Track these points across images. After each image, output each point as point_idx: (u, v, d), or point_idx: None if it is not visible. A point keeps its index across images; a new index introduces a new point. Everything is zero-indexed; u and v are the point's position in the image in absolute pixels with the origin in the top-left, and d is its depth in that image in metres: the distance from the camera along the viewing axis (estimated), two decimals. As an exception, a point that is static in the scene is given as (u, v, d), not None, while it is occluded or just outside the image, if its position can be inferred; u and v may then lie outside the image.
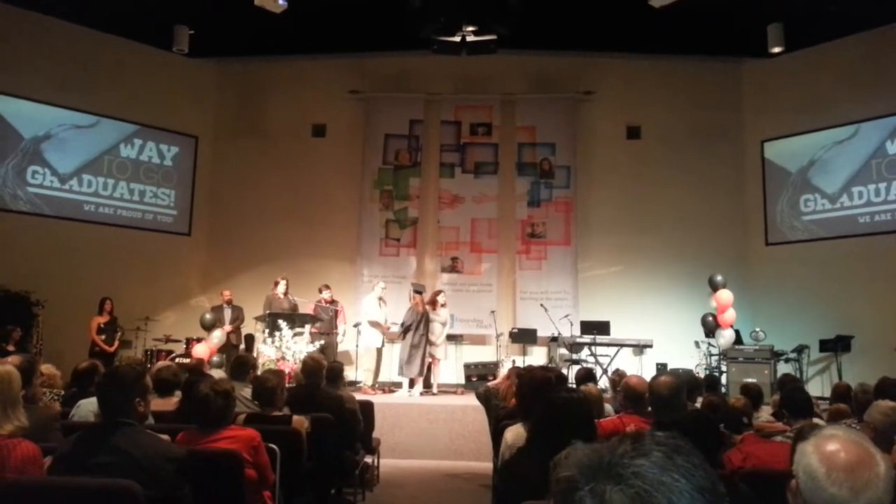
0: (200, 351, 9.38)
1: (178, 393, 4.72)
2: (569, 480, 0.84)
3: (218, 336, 9.79)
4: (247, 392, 4.72)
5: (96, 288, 10.36)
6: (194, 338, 10.31)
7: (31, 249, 10.51)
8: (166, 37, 11.23)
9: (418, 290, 9.88)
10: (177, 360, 9.36)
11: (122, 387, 2.73)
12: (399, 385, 9.88)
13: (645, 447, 0.84)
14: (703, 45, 11.42)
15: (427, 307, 9.81)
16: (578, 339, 10.36)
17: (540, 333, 10.91)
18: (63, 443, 2.83)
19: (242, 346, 10.43)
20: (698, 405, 4.55)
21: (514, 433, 3.43)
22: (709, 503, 0.80)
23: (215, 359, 9.25)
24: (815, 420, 3.91)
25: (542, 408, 2.60)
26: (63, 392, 4.99)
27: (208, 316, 10.03)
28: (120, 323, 10.37)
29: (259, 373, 5.24)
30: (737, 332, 9.99)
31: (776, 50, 10.93)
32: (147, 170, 12.14)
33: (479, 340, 11.59)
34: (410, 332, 9.51)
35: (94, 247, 11.19)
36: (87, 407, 4.14)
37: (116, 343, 10.23)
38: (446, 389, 10.06)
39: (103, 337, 10.05)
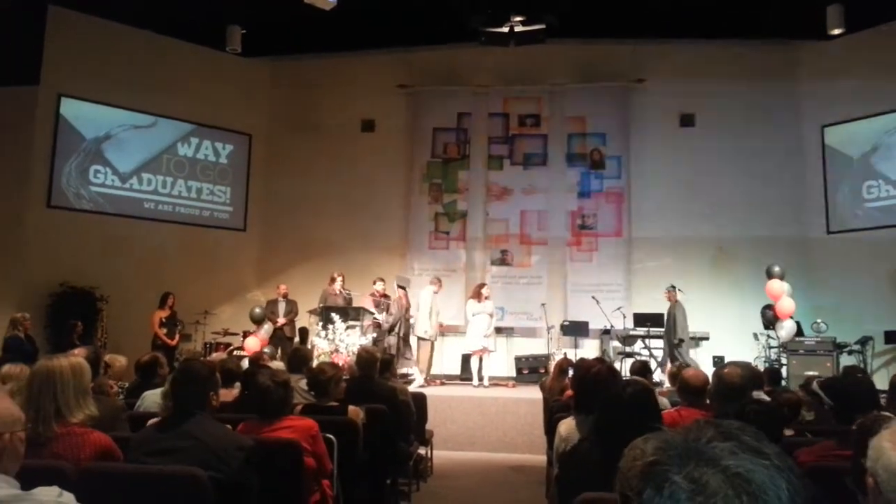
0: (251, 344, 9.59)
1: (237, 384, 4.84)
2: (656, 465, 0.81)
3: (266, 329, 10.00)
4: (303, 383, 4.81)
5: (156, 283, 10.69)
6: (251, 331, 10.54)
7: (94, 246, 10.89)
8: (219, 37, 11.47)
9: (401, 286, 9.91)
10: (234, 352, 9.58)
11: (197, 381, 2.89)
12: (453, 378, 9.91)
13: (729, 431, 0.82)
14: (758, 27, 11.05)
15: (471, 300, 9.87)
16: (631, 332, 10.23)
17: (592, 326, 10.79)
18: (142, 430, 2.97)
19: (297, 339, 10.61)
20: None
21: (568, 426, 3.39)
22: (797, 485, 0.79)
23: (267, 350, 9.42)
24: (884, 413, 3.77)
25: (608, 400, 2.56)
26: (127, 384, 5.18)
27: (258, 310, 10.30)
28: (180, 317, 10.67)
29: (314, 365, 5.33)
30: (798, 323, 9.71)
31: (836, 31, 10.51)
32: (203, 168, 12.44)
33: (530, 333, 11.53)
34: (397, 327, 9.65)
35: (153, 243, 11.52)
36: (152, 398, 4.28)
37: (177, 336, 10.54)
38: (498, 382, 10.05)
39: (165, 331, 10.34)
